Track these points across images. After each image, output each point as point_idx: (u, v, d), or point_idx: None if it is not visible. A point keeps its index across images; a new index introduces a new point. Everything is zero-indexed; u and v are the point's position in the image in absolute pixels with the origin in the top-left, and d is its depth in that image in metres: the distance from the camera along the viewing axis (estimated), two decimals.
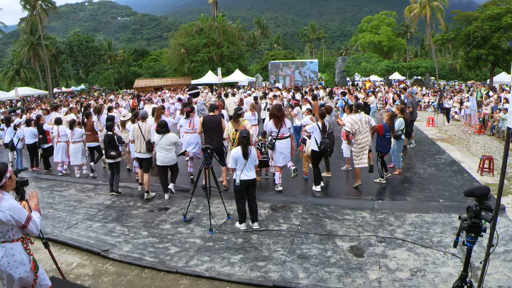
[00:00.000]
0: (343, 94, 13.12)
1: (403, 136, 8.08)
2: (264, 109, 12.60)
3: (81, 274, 4.64)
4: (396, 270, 4.34)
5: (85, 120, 8.95)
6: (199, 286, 4.26)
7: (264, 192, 7.12)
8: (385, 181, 7.43)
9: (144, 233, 5.69)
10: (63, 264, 4.80)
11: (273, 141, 7.03)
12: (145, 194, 7.26)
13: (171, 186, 7.13)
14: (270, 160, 7.57)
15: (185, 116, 7.96)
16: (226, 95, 14.69)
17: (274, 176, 7.34)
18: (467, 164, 8.86)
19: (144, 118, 7.37)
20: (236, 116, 7.08)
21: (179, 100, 15.01)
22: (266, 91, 18.03)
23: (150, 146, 7.12)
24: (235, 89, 27.07)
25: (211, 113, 7.36)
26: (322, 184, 7.14)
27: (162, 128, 6.80)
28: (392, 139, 7.71)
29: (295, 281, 4.19)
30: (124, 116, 9.25)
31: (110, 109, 12.02)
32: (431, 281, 4.06)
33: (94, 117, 9.34)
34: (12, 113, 19.38)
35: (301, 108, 10.00)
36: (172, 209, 6.71)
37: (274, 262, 4.63)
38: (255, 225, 5.65)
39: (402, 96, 12.74)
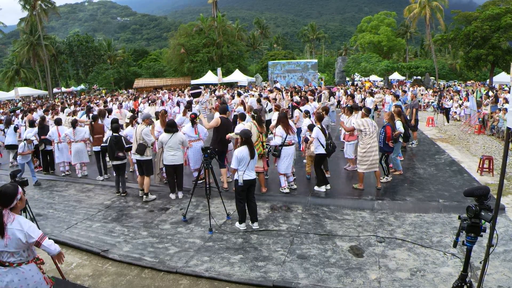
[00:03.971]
0: (352, 96, 13.10)
1: (400, 139, 8.04)
2: (267, 112, 12.45)
3: (81, 274, 4.64)
4: (396, 270, 4.34)
5: (92, 123, 8.69)
6: (199, 286, 4.26)
7: (264, 192, 7.11)
8: (390, 179, 7.43)
9: (144, 233, 5.69)
10: (63, 264, 4.78)
11: (280, 148, 6.88)
12: (144, 196, 7.17)
13: (180, 195, 7.16)
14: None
15: (185, 117, 7.85)
16: (240, 94, 15.08)
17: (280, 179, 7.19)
18: (467, 164, 8.86)
19: (144, 120, 7.31)
20: (260, 119, 6.95)
21: (178, 104, 15.05)
22: (263, 94, 18.02)
23: (140, 148, 6.92)
24: (236, 89, 27.03)
25: (222, 115, 7.29)
26: (328, 186, 7.13)
27: (172, 128, 6.77)
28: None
29: (295, 281, 4.19)
30: (129, 119, 9.22)
31: (110, 111, 11.84)
32: (431, 281, 4.06)
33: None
34: (12, 113, 19.39)
35: (300, 110, 9.99)
36: (172, 209, 6.70)
37: (274, 262, 4.63)
38: (255, 225, 5.64)
39: (402, 98, 12.79)
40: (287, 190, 7.04)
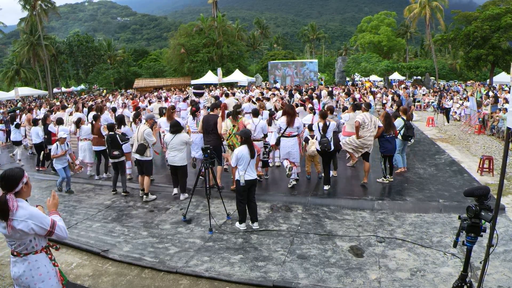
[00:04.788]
0: (348, 95, 13.13)
1: (399, 137, 8.01)
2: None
3: (81, 274, 4.63)
4: (396, 270, 4.34)
5: (93, 122, 8.58)
6: (199, 286, 4.26)
7: (264, 192, 7.11)
8: (387, 182, 7.44)
9: (144, 233, 5.69)
10: (63, 264, 4.80)
11: (279, 137, 7.10)
12: (144, 196, 7.16)
13: (182, 197, 7.11)
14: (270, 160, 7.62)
15: (192, 116, 7.96)
16: (227, 95, 14.70)
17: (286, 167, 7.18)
18: (467, 164, 8.86)
19: (147, 120, 7.31)
20: (235, 113, 7.01)
21: (185, 100, 14.92)
22: (264, 92, 18.01)
23: (140, 149, 6.88)
24: (235, 89, 27.06)
25: (211, 112, 7.36)
26: (326, 187, 7.12)
27: (175, 128, 6.78)
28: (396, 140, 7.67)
29: (295, 281, 4.18)
30: (132, 118, 9.24)
31: (114, 110, 11.68)
32: (431, 281, 4.06)
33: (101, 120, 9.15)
34: (11, 113, 19.40)
35: (305, 109, 10.00)
36: (172, 209, 6.70)
37: (274, 262, 4.63)
38: (255, 225, 5.64)
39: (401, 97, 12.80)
40: (288, 172, 6.95)
